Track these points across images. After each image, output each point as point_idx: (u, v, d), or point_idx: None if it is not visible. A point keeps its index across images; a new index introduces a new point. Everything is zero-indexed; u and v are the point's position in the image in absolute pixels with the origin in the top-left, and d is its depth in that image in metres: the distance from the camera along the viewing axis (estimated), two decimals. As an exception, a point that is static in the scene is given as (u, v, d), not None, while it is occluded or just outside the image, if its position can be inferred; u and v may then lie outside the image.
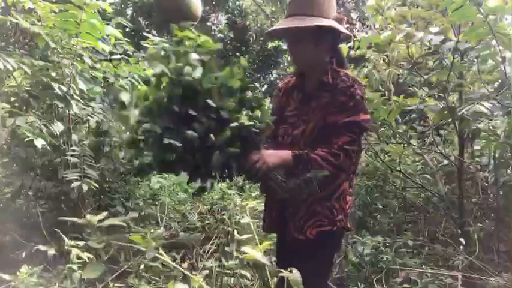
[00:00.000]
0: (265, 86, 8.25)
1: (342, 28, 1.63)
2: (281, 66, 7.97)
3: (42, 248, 1.82)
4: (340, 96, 1.58)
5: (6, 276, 1.75)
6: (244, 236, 2.11)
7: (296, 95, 1.75)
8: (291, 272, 1.15)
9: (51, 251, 1.58)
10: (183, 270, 1.42)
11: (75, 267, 1.63)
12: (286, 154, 1.54)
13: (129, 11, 7.36)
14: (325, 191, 1.59)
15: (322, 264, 1.69)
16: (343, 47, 2.93)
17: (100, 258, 1.21)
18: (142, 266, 2.21)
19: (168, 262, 1.91)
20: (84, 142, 2.82)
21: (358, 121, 1.56)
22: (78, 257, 1.39)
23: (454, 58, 2.57)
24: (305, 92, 1.73)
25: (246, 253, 1.20)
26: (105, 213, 1.30)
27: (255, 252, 1.13)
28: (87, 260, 1.40)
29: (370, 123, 1.60)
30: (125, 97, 1.22)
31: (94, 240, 1.30)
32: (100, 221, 1.22)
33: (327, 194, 1.61)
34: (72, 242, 1.31)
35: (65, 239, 1.34)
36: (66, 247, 1.28)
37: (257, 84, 8.21)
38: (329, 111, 1.59)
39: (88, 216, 1.23)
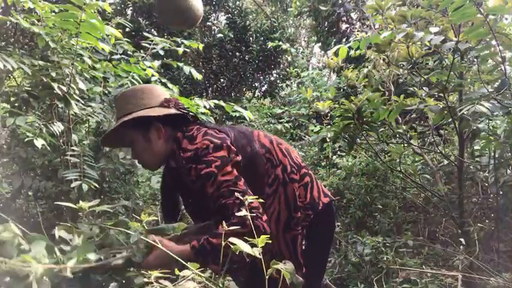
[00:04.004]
0: (265, 86, 8.24)
1: (167, 110, 1.51)
2: (281, 66, 7.96)
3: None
4: (187, 177, 1.46)
5: (6, 276, 1.75)
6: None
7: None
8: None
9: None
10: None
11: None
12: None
13: (129, 11, 7.37)
14: None
15: None
16: (343, 48, 2.94)
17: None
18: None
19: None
20: (84, 142, 2.82)
21: (219, 183, 1.39)
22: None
23: (454, 58, 2.57)
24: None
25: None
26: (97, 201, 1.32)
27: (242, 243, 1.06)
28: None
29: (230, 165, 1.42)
30: None
31: (85, 223, 1.32)
32: (91, 206, 1.27)
33: None
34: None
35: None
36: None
37: (257, 84, 8.20)
38: (192, 190, 1.49)
39: (81, 202, 1.27)
